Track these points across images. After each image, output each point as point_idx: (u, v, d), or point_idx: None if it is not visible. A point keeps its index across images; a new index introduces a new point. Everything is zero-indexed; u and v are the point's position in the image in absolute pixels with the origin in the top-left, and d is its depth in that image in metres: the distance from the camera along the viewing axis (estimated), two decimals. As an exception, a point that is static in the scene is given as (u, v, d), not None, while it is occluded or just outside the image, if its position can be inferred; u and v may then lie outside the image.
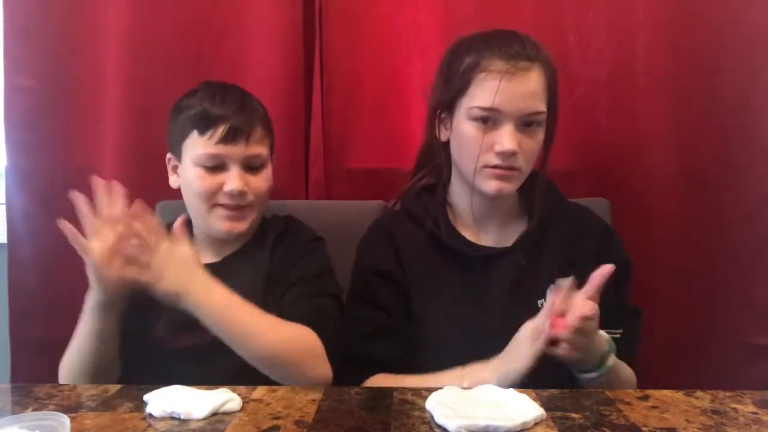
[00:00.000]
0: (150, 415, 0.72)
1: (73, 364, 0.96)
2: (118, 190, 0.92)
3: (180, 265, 0.89)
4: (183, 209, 1.19)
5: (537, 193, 1.04)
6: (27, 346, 1.39)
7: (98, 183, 0.91)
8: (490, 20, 1.27)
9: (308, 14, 1.34)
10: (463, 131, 0.98)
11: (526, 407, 0.71)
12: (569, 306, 0.82)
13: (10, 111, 1.37)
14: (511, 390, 0.76)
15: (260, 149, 1.04)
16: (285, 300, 1.02)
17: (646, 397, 0.77)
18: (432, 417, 0.70)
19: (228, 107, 1.01)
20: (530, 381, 0.82)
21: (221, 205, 1.02)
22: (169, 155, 1.09)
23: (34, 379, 1.31)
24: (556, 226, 1.03)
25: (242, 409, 0.73)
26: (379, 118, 1.36)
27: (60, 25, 1.36)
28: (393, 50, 1.34)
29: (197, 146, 1.02)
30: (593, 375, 0.87)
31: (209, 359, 0.96)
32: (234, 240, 1.08)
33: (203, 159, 1.01)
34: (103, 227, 0.90)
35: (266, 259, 1.06)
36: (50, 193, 1.38)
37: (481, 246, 1.02)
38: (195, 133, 1.02)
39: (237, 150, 1.01)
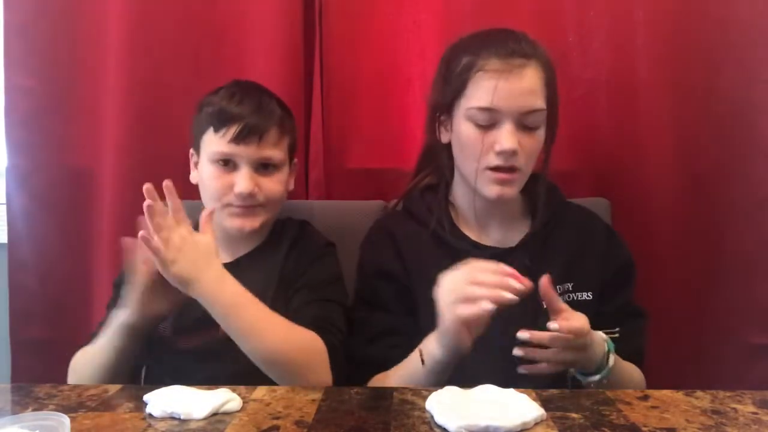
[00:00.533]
0: (150, 415, 0.72)
1: (85, 370, 0.96)
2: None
3: (197, 253, 0.89)
4: (186, 209, 1.20)
5: (540, 195, 1.04)
6: (27, 346, 1.39)
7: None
8: (490, 20, 1.27)
9: (308, 14, 1.34)
10: (462, 133, 0.97)
11: (526, 407, 0.71)
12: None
13: (10, 111, 1.37)
14: (511, 390, 0.76)
15: (273, 152, 1.04)
16: (293, 303, 1.02)
17: (646, 397, 0.77)
18: (432, 417, 0.70)
19: (245, 107, 1.02)
20: (530, 381, 0.82)
21: (232, 204, 1.03)
22: (191, 150, 1.09)
23: (34, 379, 1.31)
24: (560, 227, 1.03)
25: (242, 409, 0.73)
26: (379, 118, 1.36)
27: (60, 24, 1.36)
28: (393, 50, 1.34)
29: (212, 143, 1.03)
30: (596, 378, 0.87)
31: (214, 360, 0.97)
32: (248, 240, 1.08)
33: (216, 156, 1.02)
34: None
35: (280, 263, 1.06)
36: (50, 193, 1.38)
37: (485, 246, 1.02)
38: (211, 130, 1.03)
39: (248, 150, 1.01)
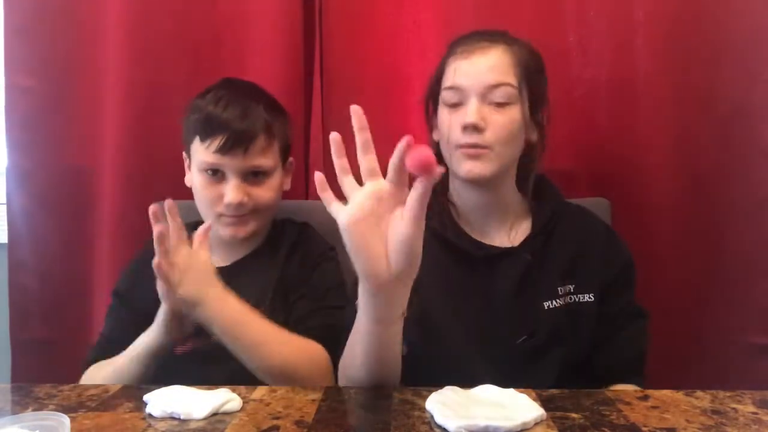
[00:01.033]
0: (150, 415, 0.72)
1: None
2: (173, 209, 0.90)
3: (199, 273, 0.88)
4: (183, 209, 1.19)
5: (540, 195, 1.04)
6: (27, 347, 1.39)
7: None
8: (490, 20, 1.27)
9: (308, 14, 1.34)
10: (439, 119, 1.01)
11: (526, 407, 0.71)
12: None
13: (11, 111, 1.37)
14: (511, 390, 0.76)
15: (261, 160, 1.02)
16: (295, 312, 1.02)
17: (646, 397, 0.77)
18: (432, 417, 0.70)
19: (229, 115, 1.00)
20: (530, 381, 0.82)
21: (224, 214, 1.02)
22: (184, 153, 1.09)
23: (34, 379, 1.31)
24: (560, 228, 1.03)
25: (242, 409, 0.73)
26: (379, 118, 1.35)
27: (60, 24, 1.36)
28: (393, 50, 1.34)
29: (199, 152, 1.02)
30: None
31: (213, 362, 0.97)
32: (244, 244, 1.08)
33: (203, 166, 1.02)
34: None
35: (279, 267, 1.06)
36: (50, 193, 1.38)
37: (486, 245, 1.02)
38: (197, 139, 1.02)
39: (234, 161, 1.00)
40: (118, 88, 1.34)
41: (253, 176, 1.03)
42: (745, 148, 1.29)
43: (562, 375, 0.95)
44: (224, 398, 0.73)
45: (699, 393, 0.78)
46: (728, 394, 0.78)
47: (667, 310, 1.29)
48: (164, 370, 1.01)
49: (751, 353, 1.30)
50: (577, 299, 1.00)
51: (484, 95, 0.95)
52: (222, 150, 0.99)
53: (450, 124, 0.98)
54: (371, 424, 0.69)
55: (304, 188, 1.36)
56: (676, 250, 1.31)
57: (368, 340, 0.78)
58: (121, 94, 1.34)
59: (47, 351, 1.38)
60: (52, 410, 0.72)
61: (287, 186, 1.13)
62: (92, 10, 1.36)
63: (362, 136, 0.72)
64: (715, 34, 1.28)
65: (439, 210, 1.03)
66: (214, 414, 0.71)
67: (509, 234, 1.03)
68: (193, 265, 0.88)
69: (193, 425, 0.69)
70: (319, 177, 0.75)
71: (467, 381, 0.77)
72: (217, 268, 1.03)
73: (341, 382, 0.88)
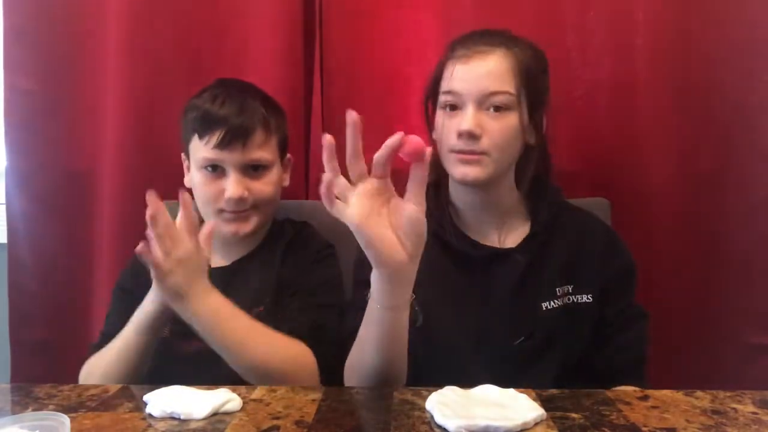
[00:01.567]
0: (150, 415, 0.72)
1: (107, 369, 0.94)
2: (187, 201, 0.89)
3: (191, 267, 0.87)
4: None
5: (540, 196, 1.04)
6: (27, 347, 1.39)
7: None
8: (490, 20, 1.27)
9: (308, 14, 1.34)
10: (436, 121, 1.00)
11: (526, 407, 0.71)
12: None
13: (10, 112, 1.37)
14: (511, 390, 0.76)
15: (260, 153, 1.02)
16: (289, 306, 1.02)
17: (646, 397, 0.77)
18: (432, 417, 0.70)
19: (226, 110, 1.00)
20: (528, 382, 0.81)
21: (224, 210, 1.02)
22: (183, 155, 1.09)
23: (34, 379, 1.31)
24: (560, 229, 1.03)
25: (242, 409, 0.73)
26: (379, 118, 1.35)
27: (60, 26, 1.36)
28: (393, 50, 1.34)
29: (198, 149, 1.02)
30: None
31: (212, 364, 0.96)
32: (244, 243, 1.08)
33: (202, 162, 1.02)
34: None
35: (277, 266, 1.06)
36: (50, 194, 1.39)
37: (484, 246, 1.02)
38: (196, 137, 1.02)
39: (233, 155, 1.00)
40: (118, 89, 1.34)
41: (252, 171, 1.03)
42: (745, 148, 1.29)
43: (560, 376, 0.95)
44: (224, 398, 0.73)
45: (699, 393, 0.78)
46: (728, 394, 0.78)
47: (666, 310, 1.29)
48: (167, 370, 1.01)
49: (751, 353, 1.30)
50: (575, 300, 1.00)
51: (482, 102, 0.95)
52: (221, 145, 0.99)
53: (446, 128, 0.97)
54: (371, 424, 0.69)
55: (304, 188, 1.36)
56: (675, 250, 1.31)
57: (381, 330, 0.80)
58: (121, 95, 1.34)
59: (47, 351, 1.38)
60: (52, 410, 0.72)
61: (286, 182, 1.12)
62: (92, 11, 1.36)
63: (355, 143, 0.73)
64: (716, 34, 1.28)
65: (438, 211, 1.03)
66: (214, 414, 0.71)
67: (507, 235, 1.03)
68: (192, 260, 0.87)
69: (193, 425, 0.69)
70: (326, 178, 0.74)
71: (465, 382, 0.77)
72: (218, 267, 1.04)
73: (349, 383, 0.88)
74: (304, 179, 1.36)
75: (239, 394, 0.75)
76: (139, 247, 0.84)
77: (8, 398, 0.80)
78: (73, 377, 1.00)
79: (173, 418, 0.71)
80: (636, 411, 0.73)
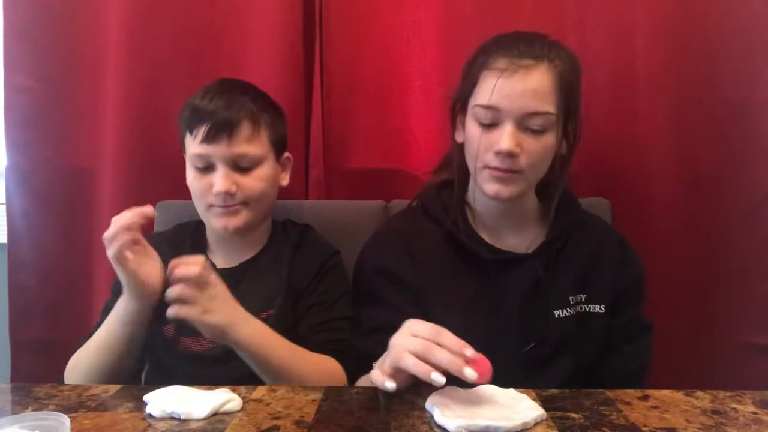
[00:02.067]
0: (150, 415, 0.72)
1: (87, 365, 0.94)
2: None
3: (222, 298, 0.87)
4: (182, 209, 1.20)
5: (558, 203, 1.02)
6: (27, 346, 1.39)
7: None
8: (489, 20, 1.28)
9: (308, 14, 1.34)
10: (468, 130, 0.97)
11: (526, 407, 0.71)
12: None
13: (10, 111, 1.37)
14: (511, 390, 0.76)
15: (247, 148, 1.01)
16: (305, 321, 1.02)
17: (646, 397, 0.77)
18: (432, 417, 0.70)
19: (213, 106, 1.00)
20: (528, 383, 0.81)
21: (214, 205, 1.02)
22: (184, 155, 1.09)
23: (34, 379, 1.31)
24: (577, 238, 1.02)
25: (242, 409, 0.73)
26: (379, 118, 1.36)
27: (60, 25, 1.36)
28: (393, 50, 1.34)
29: (189, 146, 1.03)
30: None
31: (216, 364, 0.97)
32: (248, 246, 1.07)
33: (193, 159, 1.02)
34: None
35: (285, 269, 1.05)
36: (50, 193, 1.38)
37: (499, 249, 1.01)
38: (188, 133, 1.03)
39: (220, 148, 1.00)
40: (118, 88, 1.34)
41: (241, 166, 1.02)
42: (745, 148, 1.29)
43: (564, 384, 0.95)
44: (224, 398, 0.73)
45: (699, 393, 0.78)
46: (728, 394, 0.78)
47: (667, 310, 1.29)
48: (170, 369, 1.01)
49: (751, 353, 1.30)
50: (588, 309, 0.99)
51: (521, 120, 0.91)
52: (207, 139, 0.99)
53: (482, 143, 0.94)
54: (371, 424, 0.69)
55: (304, 188, 1.36)
56: (675, 250, 1.31)
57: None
58: (121, 94, 1.34)
59: (47, 351, 1.38)
60: (52, 410, 0.72)
61: (285, 182, 1.12)
62: (92, 10, 1.36)
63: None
64: (716, 34, 1.28)
65: (454, 210, 1.01)
66: (214, 414, 0.71)
67: (523, 240, 1.02)
68: (218, 293, 0.87)
69: (193, 425, 0.69)
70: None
71: (470, 385, 0.77)
72: (223, 269, 1.04)
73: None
74: (304, 179, 1.36)
75: (239, 394, 0.75)
76: (171, 312, 0.84)
77: (8, 398, 0.80)
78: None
79: (173, 418, 0.71)
80: (636, 411, 0.73)
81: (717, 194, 1.31)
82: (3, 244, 1.41)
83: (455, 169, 1.03)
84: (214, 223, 1.03)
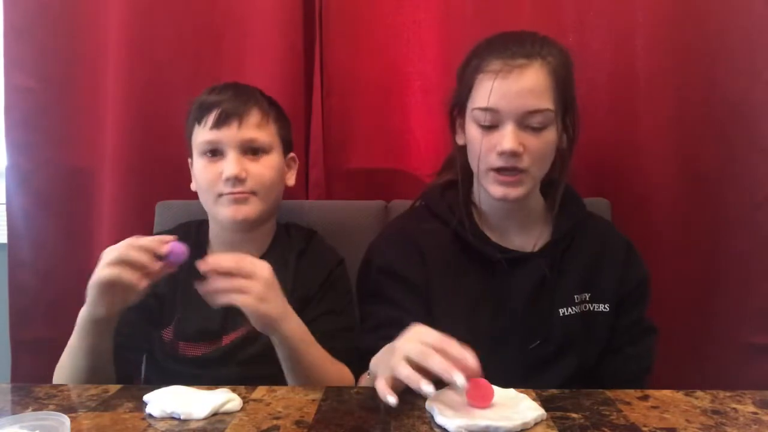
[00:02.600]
0: (150, 415, 0.72)
1: (66, 374, 0.94)
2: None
3: (276, 288, 0.85)
4: (182, 209, 1.20)
5: (562, 201, 1.02)
6: (27, 346, 1.39)
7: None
8: (489, 20, 1.28)
9: (308, 14, 1.34)
10: (469, 133, 0.97)
11: (526, 407, 0.71)
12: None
13: (10, 111, 1.37)
14: (511, 390, 0.76)
15: (256, 133, 1.02)
16: (316, 328, 1.00)
17: (646, 397, 0.77)
18: (432, 417, 0.70)
19: (223, 95, 1.02)
20: (530, 381, 0.81)
21: (223, 193, 1.01)
22: (189, 159, 1.09)
23: (34, 379, 1.31)
24: (581, 237, 1.03)
25: (242, 409, 0.73)
26: (379, 118, 1.36)
27: (60, 25, 1.36)
28: (393, 50, 1.34)
29: (198, 135, 1.03)
30: None
31: (215, 367, 0.97)
32: (251, 245, 1.06)
33: (202, 147, 1.02)
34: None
35: (291, 272, 1.05)
36: (50, 193, 1.38)
37: (506, 249, 1.01)
38: (195, 125, 1.03)
39: (230, 133, 1.00)
40: (118, 88, 1.34)
41: (251, 153, 1.02)
42: (745, 148, 1.29)
43: (565, 383, 0.95)
44: (224, 398, 0.73)
45: (699, 393, 0.78)
46: (728, 394, 0.78)
47: (667, 310, 1.29)
48: (169, 372, 1.01)
49: (751, 353, 1.30)
50: (592, 308, 1.00)
51: (521, 119, 0.92)
52: (217, 124, 1.00)
53: (484, 145, 0.94)
54: (371, 424, 0.69)
55: (304, 188, 1.36)
56: (675, 250, 1.31)
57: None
58: (121, 94, 1.34)
59: (47, 351, 1.37)
60: (52, 410, 0.72)
61: (291, 182, 1.12)
62: (92, 10, 1.36)
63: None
64: (716, 34, 1.28)
65: (461, 212, 1.01)
66: (214, 414, 0.71)
67: (529, 239, 1.02)
68: (275, 283, 0.85)
69: (193, 425, 0.69)
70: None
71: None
72: None
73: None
74: (305, 179, 1.36)
75: (239, 394, 0.76)
76: (223, 299, 0.82)
77: (8, 398, 0.80)
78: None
79: (173, 418, 0.71)
80: (636, 411, 0.73)
81: (717, 194, 1.31)
82: (3, 244, 1.41)
83: (459, 170, 1.04)
84: (223, 213, 1.02)
